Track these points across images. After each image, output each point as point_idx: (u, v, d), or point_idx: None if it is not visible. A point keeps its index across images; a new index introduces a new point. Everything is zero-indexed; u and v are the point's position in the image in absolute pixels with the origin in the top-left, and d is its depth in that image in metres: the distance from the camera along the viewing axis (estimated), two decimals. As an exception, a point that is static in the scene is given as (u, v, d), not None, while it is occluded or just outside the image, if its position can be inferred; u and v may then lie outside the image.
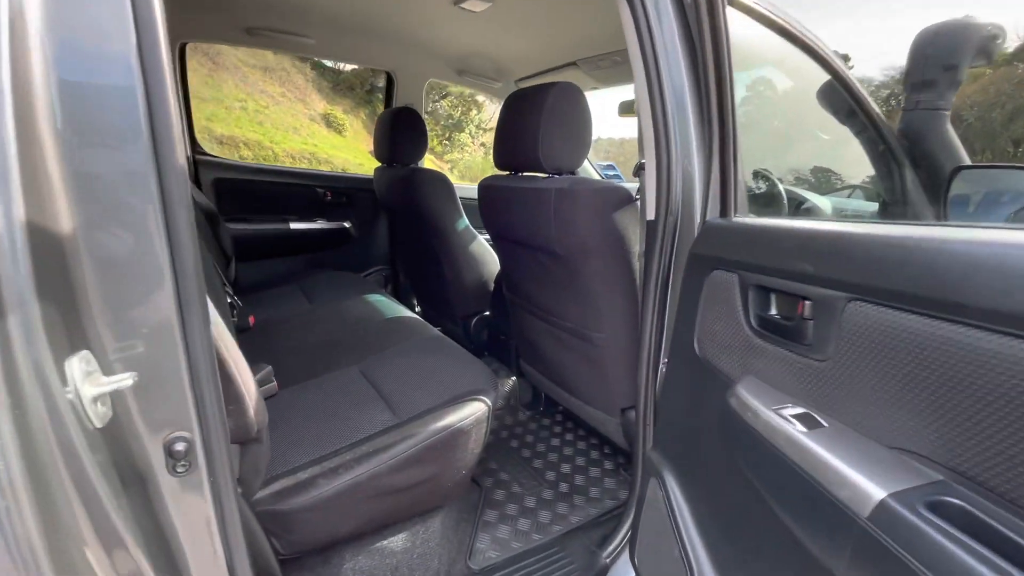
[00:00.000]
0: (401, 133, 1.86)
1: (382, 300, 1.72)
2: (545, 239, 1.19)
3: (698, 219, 0.88)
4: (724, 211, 0.88)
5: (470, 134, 16.93)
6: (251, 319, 1.59)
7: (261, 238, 2.09)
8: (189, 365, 0.50)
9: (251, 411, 0.70)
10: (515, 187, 1.29)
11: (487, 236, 1.93)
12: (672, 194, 0.88)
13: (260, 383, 1.14)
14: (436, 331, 1.44)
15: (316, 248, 2.25)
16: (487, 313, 2.01)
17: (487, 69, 2.23)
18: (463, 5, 1.60)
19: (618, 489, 1.41)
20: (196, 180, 1.95)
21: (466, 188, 2.38)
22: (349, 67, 15.15)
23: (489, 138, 16.69)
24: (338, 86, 14.95)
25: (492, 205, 1.41)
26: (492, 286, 1.98)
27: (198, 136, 2.02)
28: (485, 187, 1.43)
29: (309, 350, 1.36)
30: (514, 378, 1.86)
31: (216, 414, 0.53)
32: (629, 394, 1.27)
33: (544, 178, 1.22)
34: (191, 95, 1.94)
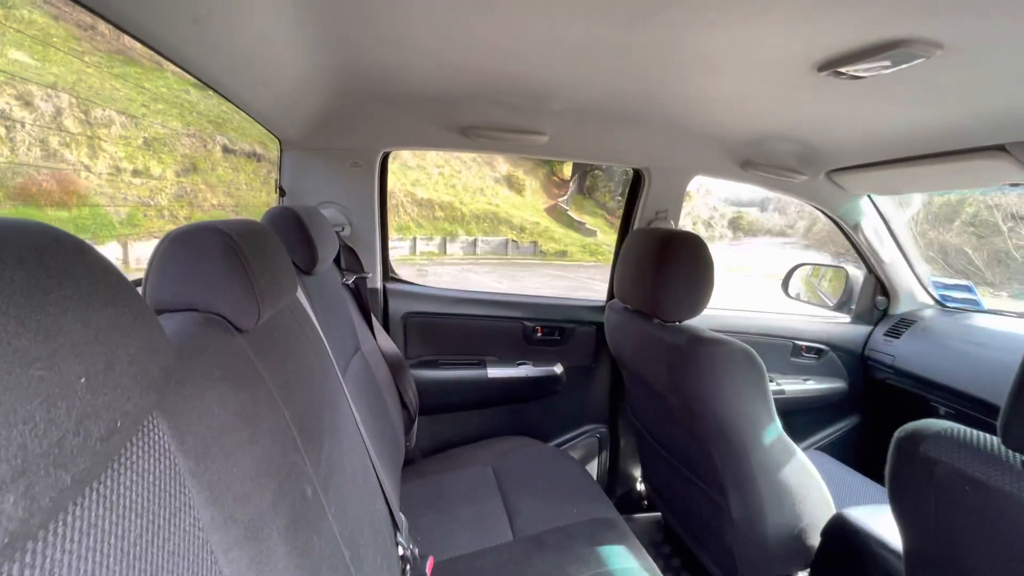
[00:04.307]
0: (672, 275, 1.14)
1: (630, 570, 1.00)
2: None
3: None
4: None
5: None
6: (429, 564, 1.02)
7: (451, 388, 1.59)
8: None
9: None
10: None
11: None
12: None
13: None
14: None
15: (515, 400, 1.67)
16: (799, 582, 1.14)
17: (788, 159, 1.45)
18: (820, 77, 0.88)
19: None
20: (385, 317, 1.54)
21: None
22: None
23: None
24: (521, 148, 15.78)
25: None
26: (816, 537, 1.12)
27: (403, 199, 1.66)
28: None
29: None
30: None
31: None
32: None
33: None
34: (406, 166, 1.59)
